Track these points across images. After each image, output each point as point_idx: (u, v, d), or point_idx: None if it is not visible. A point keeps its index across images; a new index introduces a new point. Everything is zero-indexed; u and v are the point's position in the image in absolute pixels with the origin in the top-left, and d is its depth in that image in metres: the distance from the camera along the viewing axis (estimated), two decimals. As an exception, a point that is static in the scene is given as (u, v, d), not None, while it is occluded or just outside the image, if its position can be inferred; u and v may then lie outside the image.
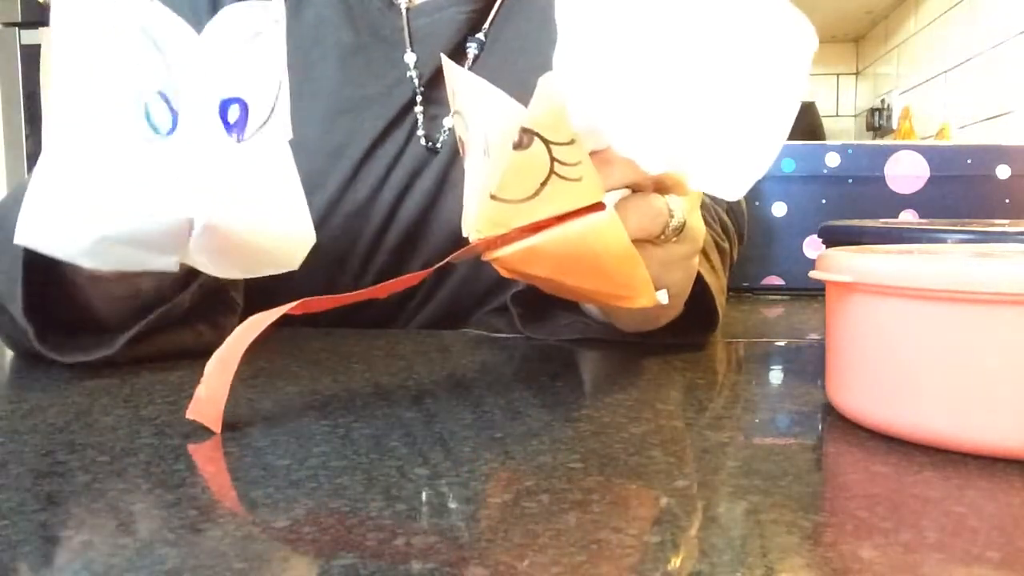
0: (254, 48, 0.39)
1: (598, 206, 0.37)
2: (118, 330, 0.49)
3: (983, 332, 0.30)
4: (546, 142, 0.36)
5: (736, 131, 0.37)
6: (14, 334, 0.49)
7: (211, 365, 0.36)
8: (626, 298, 0.40)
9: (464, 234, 0.40)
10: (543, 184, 0.36)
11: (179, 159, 0.37)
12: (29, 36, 2.29)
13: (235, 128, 0.39)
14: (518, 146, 0.36)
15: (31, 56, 2.28)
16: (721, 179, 0.38)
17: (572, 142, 0.36)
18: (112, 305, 0.49)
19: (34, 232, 0.38)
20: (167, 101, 0.37)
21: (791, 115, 0.37)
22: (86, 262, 0.40)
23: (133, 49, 0.37)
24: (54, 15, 0.36)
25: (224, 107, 0.38)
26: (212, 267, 0.42)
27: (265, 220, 0.40)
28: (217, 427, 0.36)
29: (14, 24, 2.29)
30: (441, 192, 0.65)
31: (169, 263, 0.41)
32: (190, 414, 0.36)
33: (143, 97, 0.37)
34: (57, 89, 0.37)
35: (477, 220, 0.38)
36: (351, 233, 0.64)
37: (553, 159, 0.36)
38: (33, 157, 2.30)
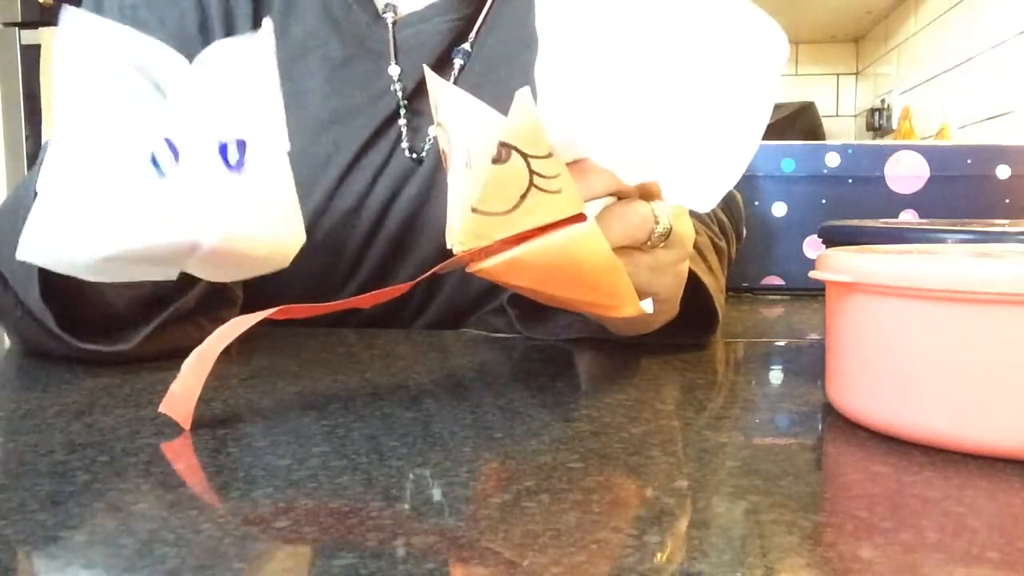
0: (249, 80, 0.40)
1: (579, 217, 0.38)
2: (130, 318, 0.50)
3: (983, 332, 0.30)
4: (524, 155, 0.36)
5: (709, 141, 0.38)
6: (24, 328, 0.49)
7: (189, 362, 0.36)
8: (611, 307, 0.41)
9: (448, 246, 0.40)
10: (523, 197, 0.37)
11: (183, 190, 0.38)
12: (29, 36, 2.29)
13: (235, 167, 0.40)
14: (496, 160, 0.36)
15: (31, 56, 2.28)
16: (693, 191, 0.38)
17: (549, 155, 0.37)
18: (124, 296, 0.50)
19: (37, 248, 0.39)
20: (170, 144, 0.38)
21: (762, 123, 0.38)
22: (89, 276, 0.41)
23: (135, 91, 0.38)
24: (56, 54, 0.37)
25: (223, 149, 0.39)
26: (208, 275, 0.43)
27: (264, 231, 0.41)
28: (187, 424, 0.36)
29: (14, 24, 2.29)
30: (426, 201, 0.66)
31: (169, 274, 0.43)
32: (163, 408, 0.36)
33: (148, 142, 0.38)
34: (62, 117, 0.38)
35: (460, 233, 0.38)
36: (338, 241, 0.65)
37: (532, 172, 0.37)
38: (33, 157, 2.30)
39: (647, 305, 0.42)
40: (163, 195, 0.38)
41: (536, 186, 0.37)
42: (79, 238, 0.38)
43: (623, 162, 0.38)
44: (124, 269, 0.41)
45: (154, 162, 0.38)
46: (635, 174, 0.38)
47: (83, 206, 0.38)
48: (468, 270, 0.40)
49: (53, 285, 0.47)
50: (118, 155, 0.38)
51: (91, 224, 0.38)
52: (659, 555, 0.23)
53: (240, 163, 0.40)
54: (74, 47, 0.37)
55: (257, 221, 0.41)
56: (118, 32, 0.37)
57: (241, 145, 0.40)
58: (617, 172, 0.38)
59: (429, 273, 0.41)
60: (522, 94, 0.37)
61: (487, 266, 0.39)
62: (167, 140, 0.38)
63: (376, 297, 0.40)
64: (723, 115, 0.37)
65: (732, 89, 0.37)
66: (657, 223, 0.42)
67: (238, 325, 0.37)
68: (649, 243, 0.43)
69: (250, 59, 0.40)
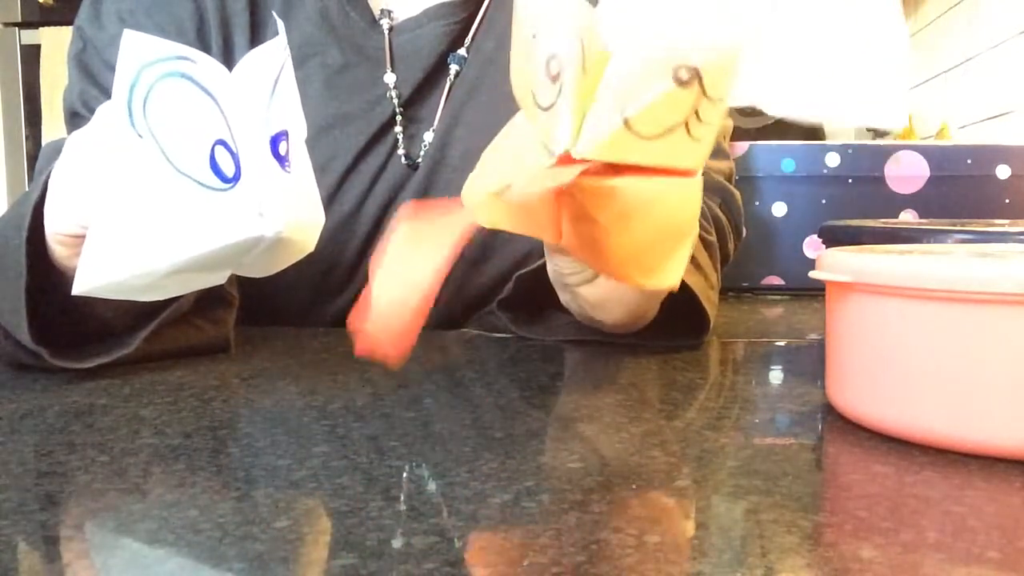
0: (274, 78, 0.41)
1: (688, 171, 0.37)
2: (124, 332, 0.50)
3: (983, 332, 0.30)
4: (703, 91, 0.35)
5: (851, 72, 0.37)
6: (18, 356, 0.49)
7: (381, 276, 0.30)
8: (651, 272, 0.39)
9: (561, 149, 0.36)
10: (669, 130, 0.35)
11: (247, 187, 0.39)
12: (29, 36, 2.29)
13: (285, 159, 0.41)
14: (681, 83, 0.35)
15: (31, 56, 2.28)
16: (871, 114, 0.38)
17: (721, 100, 0.35)
18: (118, 313, 0.50)
19: (93, 277, 0.40)
20: (227, 146, 0.39)
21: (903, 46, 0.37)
22: (142, 296, 0.41)
23: (191, 98, 0.39)
24: (120, 71, 0.37)
25: (275, 143, 0.41)
26: (255, 271, 0.43)
27: (304, 215, 0.42)
28: (396, 359, 0.29)
29: (14, 24, 2.29)
30: None
31: (222, 277, 0.44)
32: (362, 346, 0.29)
33: (206, 147, 0.39)
34: (110, 139, 0.39)
35: (601, 143, 0.35)
36: (337, 245, 0.66)
37: (696, 111, 0.35)
38: (33, 157, 2.30)
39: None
40: (229, 195, 0.39)
41: (688, 126, 0.35)
42: (144, 256, 0.39)
43: (770, 95, 0.37)
44: (181, 280, 0.41)
45: (214, 165, 0.39)
46: (781, 107, 0.37)
47: (147, 222, 0.39)
48: (566, 181, 0.36)
49: (42, 318, 0.47)
50: (178, 165, 0.39)
51: (158, 238, 0.39)
52: (659, 555, 0.23)
53: (288, 153, 0.41)
54: (136, 63, 0.38)
55: (301, 206, 0.42)
56: (172, 48, 0.38)
57: (286, 136, 0.41)
58: (764, 105, 0.37)
59: (567, 180, 0.36)
60: (724, 30, 0.35)
61: (588, 183, 0.37)
62: (224, 143, 0.39)
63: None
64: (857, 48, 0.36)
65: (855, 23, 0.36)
66: None
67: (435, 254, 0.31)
68: None
69: (271, 59, 0.41)
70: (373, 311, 0.29)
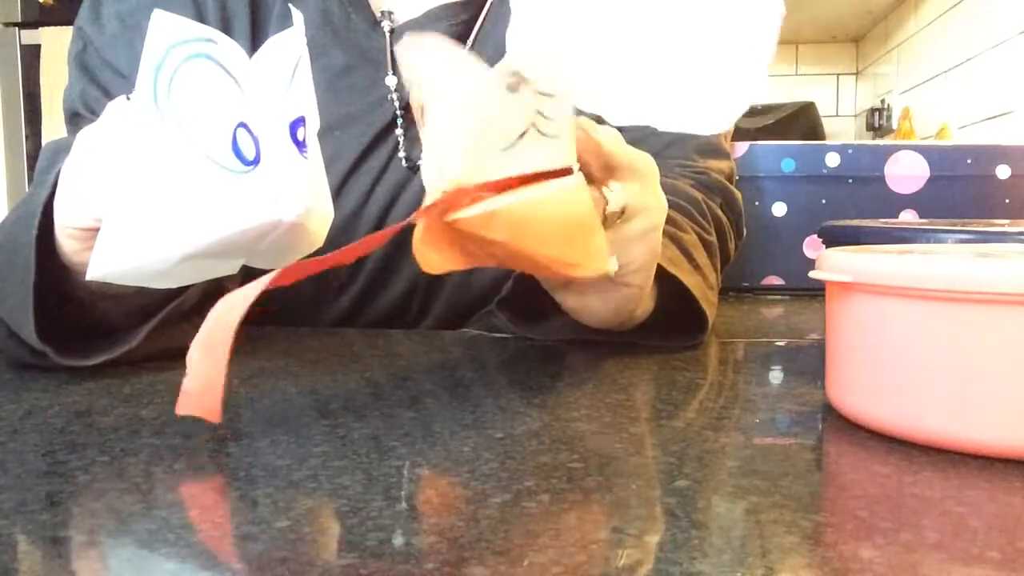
0: (291, 68, 0.41)
1: (565, 171, 0.37)
2: (128, 330, 0.50)
3: (983, 332, 0.30)
4: (533, 91, 0.35)
5: (705, 71, 0.37)
6: (20, 354, 0.49)
7: (194, 355, 0.35)
8: (578, 265, 0.40)
9: (432, 189, 0.38)
10: (520, 136, 0.36)
11: (267, 170, 0.39)
12: (29, 36, 2.29)
13: (303, 144, 0.41)
14: (510, 88, 0.35)
15: (31, 56, 2.28)
16: (695, 118, 0.38)
17: (557, 95, 0.36)
18: (122, 312, 0.50)
19: (109, 263, 0.40)
20: (248, 129, 0.39)
21: (767, 50, 0.37)
22: (156, 283, 0.42)
23: (215, 80, 0.39)
24: (146, 53, 0.37)
25: (293, 128, 0.41)
26: (267, 261, 0.43)
27: (318, 205, 0.42)
28: (216, 417, 0.34)
29: (14, 24, 2.29)
30: None
31: (235, 266, 0.44)
32: (180, 410, 0.34)
33: (228, 131, 0.39)
34: (128, 123, 0.39)
35: (460, 169, 0.36)
36: (338, 245, 0.66)
37: (536, 111, 0.36)
38: (33, 157, 2.30)
39: (612, 263, 0.42)
40: (250, 178, 0.39)
41: (536, 127, 0.36)
42: (161, 240, 0.39)
43: (609, 104, 0.37)
44: (196, 267, 0.41)
45: (235, 148, 0.39)
46: (622, 115, 0.38)
47: (166, 205, 0.39)
48: (445, 219, 0.38)
49: (46, 317, 0.47)
50: (200, 147, 0.38)
51: (176, 222, 0.39)
52: (659, 555, 0.23)
53: (305, 141, 0.41)
54: (163, 44, 0.38)
55: (316, 195, 0.42)
56: (198, 29, 0.38)
57: (304, 123, 0.41)
58: (604, 114, 0.37)
59: (406, 221, 0.39)
60: (542, 28, 0.36)
61: (466, 216, 0.37)
62: (245, 126, 0.39)
63: (356, 249, 0.38)
64: (718, 45, 0.36)
65: (724, 18, 0.36)
66: (607, 202, 0.43)
67: (235, 303, 0.34)
68: (605, 222, 0.43)
69: (290, 48, 0.41)
70: (188, 379, 0.34)
